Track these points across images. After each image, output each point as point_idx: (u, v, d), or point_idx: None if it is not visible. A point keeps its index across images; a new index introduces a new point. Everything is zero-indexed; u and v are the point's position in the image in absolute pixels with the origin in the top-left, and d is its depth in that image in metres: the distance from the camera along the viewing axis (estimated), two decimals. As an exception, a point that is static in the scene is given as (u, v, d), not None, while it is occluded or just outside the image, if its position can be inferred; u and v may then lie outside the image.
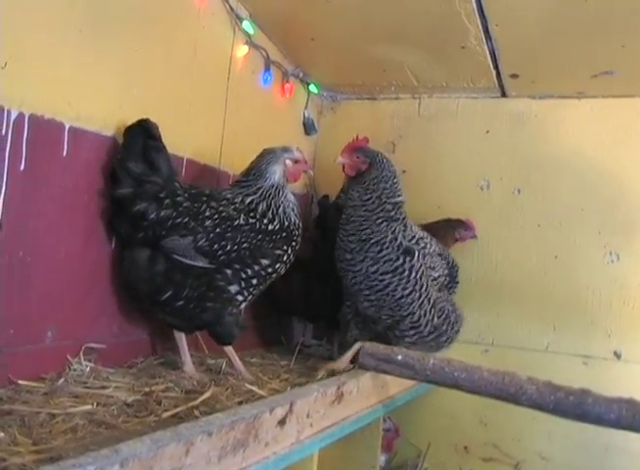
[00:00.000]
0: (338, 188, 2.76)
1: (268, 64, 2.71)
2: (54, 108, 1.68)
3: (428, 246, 2.30)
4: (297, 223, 2.13)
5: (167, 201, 1.88)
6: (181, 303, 1.89)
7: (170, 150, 2.06)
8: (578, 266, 2.85)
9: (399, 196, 2.28)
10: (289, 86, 2.92)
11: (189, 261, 1.89)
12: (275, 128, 2.87)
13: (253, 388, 1.81)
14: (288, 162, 2.16)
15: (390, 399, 2.17)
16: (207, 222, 1.93)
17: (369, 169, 2.26)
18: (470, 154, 3.07)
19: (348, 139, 3.17)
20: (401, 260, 2.16)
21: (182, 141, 2.19)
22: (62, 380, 1.66)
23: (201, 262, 1.90)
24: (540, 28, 2.38)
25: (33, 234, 1.65)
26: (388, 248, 2.16)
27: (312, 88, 3.15)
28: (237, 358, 2.04)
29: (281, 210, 2.10)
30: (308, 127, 3.17)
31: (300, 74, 3.04)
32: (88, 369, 1.77)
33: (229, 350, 2.03)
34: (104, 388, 1.67)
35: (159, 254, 1.87)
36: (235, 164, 2.53)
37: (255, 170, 2.13)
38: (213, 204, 1.98)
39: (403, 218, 2.26)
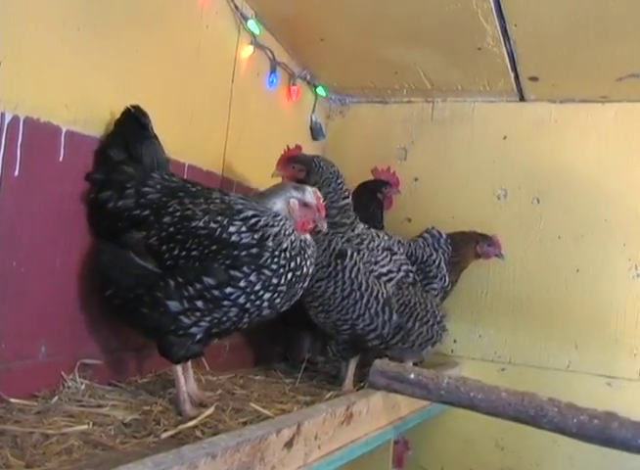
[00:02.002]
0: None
1: (274, 65, 2.72)
2: (50, 111, 1.68)
3: (367, 242, 2.30)
4: (289, 252, 1.76)
5: (130, 191, 1.80)
6: (119, 301, 1.75)
7: (171, 156, 2.07)
8: (601, 281, 2.84)
9: (345, 198, 2.33)
10: (295, 89, 2.94)
11: (139, 261, 1.75)
12: (281, 133, 2.88)
13: (258, 407, 1.81)
14: (293, 201, 1.81)
15: (402, 420, 2.16)
16: (166, 218, 1.76)
17: (308, 177, 2.32)
18: (486, 161, 3.08)
19: (358, 144, 3.24)
20: (333, 265, 2.21)
21: (184, 146, 2.20)
22: (55, 398, 1.66)
23: (150, 264, 1.75)
24: (562, 29, 2.38)
25: (28, 243, 1.65)
26: (321, 255, 2.19)
27: (320, 91, 3.17)
28: (182, 385, 1.77)
29: (273, 230, 1.76)
30: (316, 132, 3.17)
31: (308, 76, 3.05)
32: (83, 386, 1.77)
33: (175, 371, 1.78)
34: (100, 406, 1.66)
35: (114, 247, 1.78)
36: (238, 170, 2.55)
37: (261, 193, 1.90)
38: (186, 200, 1.79)
39: (351, 223, 2.31)
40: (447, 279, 2.56)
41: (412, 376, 1.82)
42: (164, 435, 1.51)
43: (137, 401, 1.76)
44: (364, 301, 2.22)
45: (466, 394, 1.75)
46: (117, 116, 1.88)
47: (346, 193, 2.35)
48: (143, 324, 1.77)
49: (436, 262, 2.53)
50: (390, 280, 2.31)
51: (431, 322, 2.38)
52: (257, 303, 1.74)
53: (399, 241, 2.48)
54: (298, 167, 2.33)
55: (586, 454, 2.64)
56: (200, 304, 1.70)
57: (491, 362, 2.94)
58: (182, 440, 1.50)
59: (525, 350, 2.91)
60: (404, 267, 2.39)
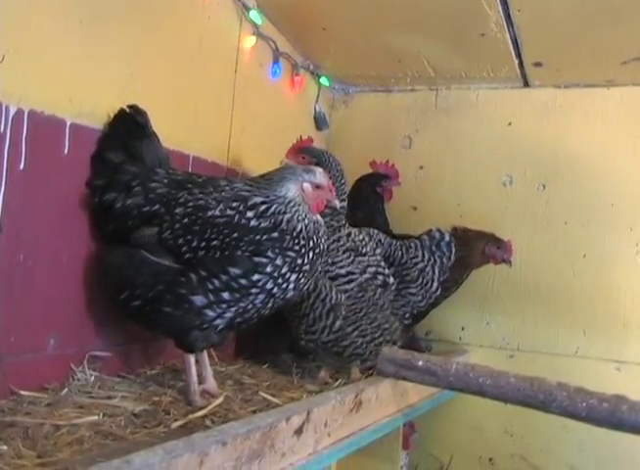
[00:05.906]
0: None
1: (277, 55, 2.71)
2: (54, 104, 1.69)
3: (330, 242, 2.21)
4: (305, 233, 1.76)
5: (138, 188, 1.78)
6: (137, 302, 1.70)
7: (175, 147, 2.08)
8: (609, 266, 2.83)
9: (342, 201, 2.28)
10: (299, 79, 2.93)
11: (154, 258, 1.71)
12: (285, 123, 2.88)
13: (267, 396, 1.82)
14: (306, 185, 1.80)
15: (411, 407, 2.17)
16: (178, 209, 1.72)
17: None
18: (491, 148, 3.06)
19: (362, 134, 3.24)
20: None
21: (188, 138, 2.20)
22: (65, 390, 1.67)
23: (166, 261, 1.71)
24: (566, 13, 2.36)
25: (34, 237, 1.66)
26: None
27: (323, 81, 3.15)
28: (193, 375, 1.76)
29: (286, 216, 1.75)
30: (320, 122, 3.17)
31: (311, 66, 3.04)
32: (93, 378, 1.78)
33: (187, 360, 1.77)
34: (110, 398, 1.68)
35: (126, 249, 1.74)
36: (243, 161, 2.55)
37: (269, 178, 1.84)
38: (196, 190, 1.76)
39: (338, 227, 2.27)
40: (435, 284, 2.42)
41: (420, 363, 1.82)
42: (174, 425, 1.52)
43: (146, 392, 1.77)
44: (310, 301, 2.17)
45: (475, 379, 1.76)
46: (123, 107, 1.88)
47: (344, 196, 2.33)
48: (165, 323, 1.73)
49: (420, 266, 2.40)
50: (350, 282, 2.23)
51: (368, 338, 2.26)
52: (284, 285, 1.74)
53: (380, 240, 2.40)
54: (308, 159, 2.32)
55: (597, 440, 2.64)
56: (226, 295, 1.68)
57: (500, 349, 2.93)
58: (192, 429, 1.50)
59: (533, 336, 2.89)
60: (371, 269, 2.28)
